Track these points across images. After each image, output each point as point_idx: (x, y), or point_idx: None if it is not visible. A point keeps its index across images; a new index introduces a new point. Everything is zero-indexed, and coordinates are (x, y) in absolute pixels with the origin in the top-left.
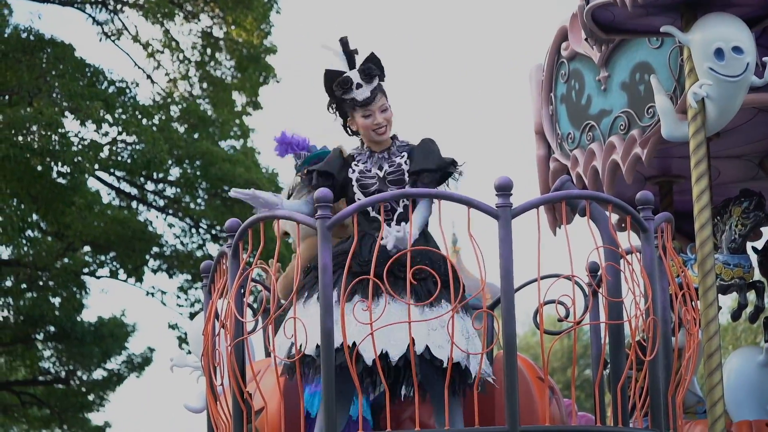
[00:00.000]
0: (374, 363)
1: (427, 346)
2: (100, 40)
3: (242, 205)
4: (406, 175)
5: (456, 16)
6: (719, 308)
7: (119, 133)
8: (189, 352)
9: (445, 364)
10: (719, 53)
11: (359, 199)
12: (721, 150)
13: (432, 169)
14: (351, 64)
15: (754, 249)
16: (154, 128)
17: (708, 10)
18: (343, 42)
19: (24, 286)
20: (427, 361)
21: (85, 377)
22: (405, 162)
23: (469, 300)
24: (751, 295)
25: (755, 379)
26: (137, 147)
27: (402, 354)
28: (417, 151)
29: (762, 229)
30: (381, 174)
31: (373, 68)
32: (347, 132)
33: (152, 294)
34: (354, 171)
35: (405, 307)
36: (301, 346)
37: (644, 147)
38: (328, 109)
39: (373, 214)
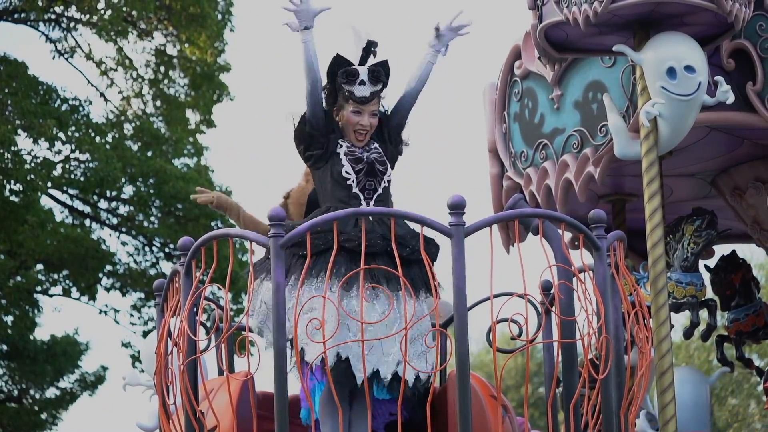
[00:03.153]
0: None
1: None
2: (54, 57)
3: (196, 223)
4: (385, 156)
5: (409, 33)
6: (672, 326)
7: (72, 151)
8: (142, 371)
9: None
10: (671, 72)
11: (347, 173)
12: (673, 168)
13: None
14: (362, 61)
15: (707, 267)
16: (108, 146)
17: (660, 29)
18: (372, 44)
19: None
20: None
21: (37, 396)
22: (377, 147)
23: (423, 317)
24: (704, 314)
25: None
26: (90, 165)
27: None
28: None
29: (714, 247)
30: (365, 156)
31: (381, 73)
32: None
33: (105, 312)
34: (341, 146)
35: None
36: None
37: (597, 165)
38: (322, 91)
39: (355, 190)
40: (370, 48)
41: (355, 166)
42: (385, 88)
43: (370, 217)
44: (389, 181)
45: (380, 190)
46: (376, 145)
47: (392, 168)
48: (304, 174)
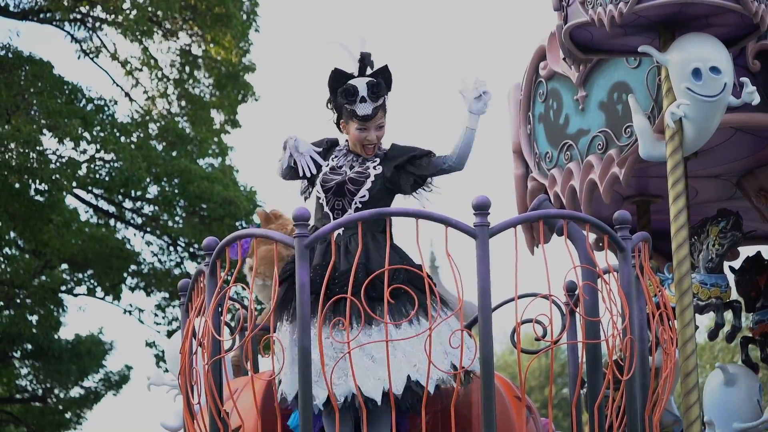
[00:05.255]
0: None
1: (409, 376)
2: (79, 57)
3: (220, 223)
4: (369, 178)
5: (434, 35)
6: (696, 328)
7: (97, 151)
8: (166, 371)
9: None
10: (697, 73)
11: (318, 192)
12: (698, 170)
13: (415, 153)
14: (361, 70)
15: (731, 268)
16: (133, 146)
17: (686, 31)
18: (366, 56)
19: (1, 303)
20: (412, 390)
21: (62, 395)
22: (374, 167)
23: (445, 319)
24: (728, 315)
25: (720, 399)
26: (115, 165)
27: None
28: (390, 152)
29: (739, 248)
30: (349, 173)
31: (382, 87)
32: (338, 129)
33: (130, 312)
34: (328, 165)
35: (382, 331)
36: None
37: (622, 166)
38: (326, 105)
39: (326, 209)
40: (365, 61)
41: (325, 186)
42: (387, 96)
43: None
44: (363, 202)
45: (350, 210)
46: (372, 164)
47: (389, 190)
48: (263, 222)
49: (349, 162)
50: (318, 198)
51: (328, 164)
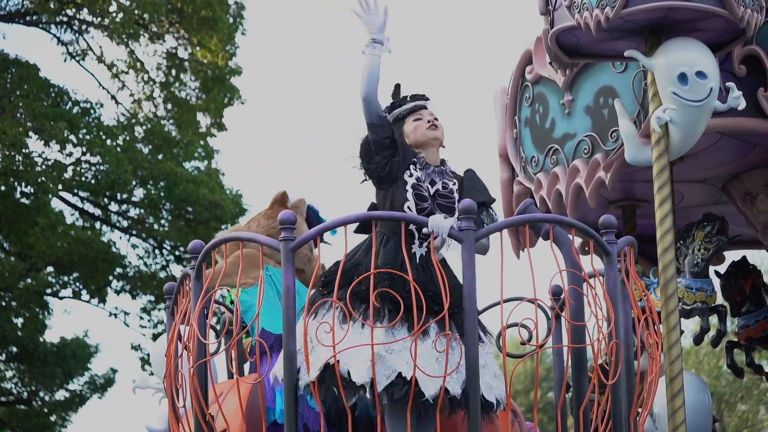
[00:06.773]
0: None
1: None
2: (65, 60)
3: (206, 226)
4: (456, 203)
5: (420, 39)
6: (681, 332)
7: (83, 154)
8: (152, 374)
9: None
10: (683, 78)
11: (408, 208)
12: (684, 174)
13: (488, 202)
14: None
15: (717, 273)
16: (119, 149)
17: (672, 35)
18: (396, 87)
19: None
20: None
21: (47, 398)
22: (456, 190)
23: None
24: (714, 319)
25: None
26: (101, 167)
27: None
28: (469, 181)
29: (725, 253)
30: (432, 190)
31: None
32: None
33: (115, 315)
34: (411, 175)
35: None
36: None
37: (608, 171)
38: (388, 142)
39: (411, 227)
40: (396, 91)
41: (419, 204)
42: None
43: (420, 267)
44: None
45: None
46: (453, 186)
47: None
48: (263, 214)
49: (430, 177)
50: (406, 204)
51: (410, 174)
